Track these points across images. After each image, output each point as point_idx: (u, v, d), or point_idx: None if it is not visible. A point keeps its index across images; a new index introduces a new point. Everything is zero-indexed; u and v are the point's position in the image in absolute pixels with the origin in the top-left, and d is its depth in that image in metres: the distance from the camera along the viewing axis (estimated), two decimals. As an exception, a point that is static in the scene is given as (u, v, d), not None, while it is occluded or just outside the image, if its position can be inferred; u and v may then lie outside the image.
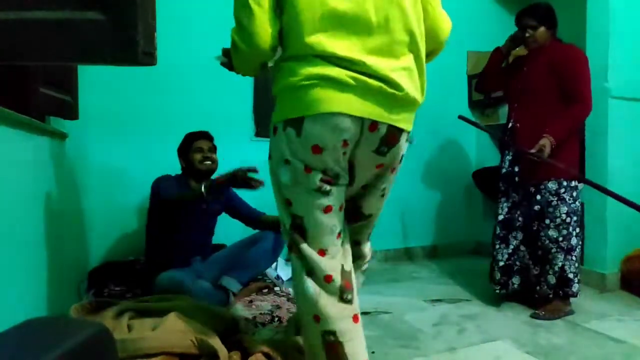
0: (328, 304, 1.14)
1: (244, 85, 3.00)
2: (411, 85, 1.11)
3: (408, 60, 1.11)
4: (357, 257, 1.38)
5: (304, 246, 1.15)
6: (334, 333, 1.13)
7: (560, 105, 2.20)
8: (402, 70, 1.09)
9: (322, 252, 1.16)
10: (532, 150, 2.11)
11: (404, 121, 1.13)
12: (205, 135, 2.25)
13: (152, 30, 0.79)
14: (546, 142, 2.11)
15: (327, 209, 1.13)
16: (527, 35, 2.25)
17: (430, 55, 1.27)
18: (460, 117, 2.61)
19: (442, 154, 3.60)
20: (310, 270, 1.15)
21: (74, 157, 2.13)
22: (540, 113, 2.22)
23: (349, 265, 1.20)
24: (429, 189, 3.55)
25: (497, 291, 2.33)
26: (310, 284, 1.15)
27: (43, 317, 0.88)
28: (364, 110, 1.05)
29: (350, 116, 1.04)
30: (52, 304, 1.57)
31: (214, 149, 2.26)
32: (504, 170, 2.33)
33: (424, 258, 3.49)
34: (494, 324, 2.11)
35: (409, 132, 1.18)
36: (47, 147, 1.62)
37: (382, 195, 1.31)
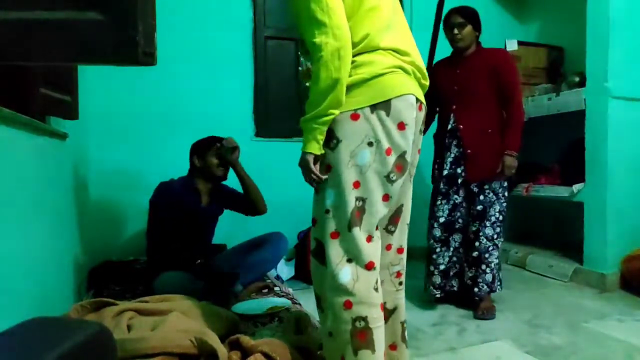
0: (363, 289, 1.19)
1: (244, 85, 3.00)
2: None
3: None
4: (396, 264, 1.42)
5: (356, 230, 1.20)
6: (365, 319, 1.18)
7: (498, 106, 2.26)
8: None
9: (370, 238, 1.23)
10: (505, 172, 2.21)
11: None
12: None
13: (152, 30, 0.79)
14: (512, 162, 2.19)
15: (385, 197, 1.23)
16: (455, 32, 2.26)
17: None
18: None
19: (442, 154, 3.59)
20: (353, 256, 1.21)
21: (74, 157, 2.13)
22: (482, 115, 2.26)
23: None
24: (427, 189, 3.55)
25: (438, 296, 2.31)
26: (348, 270, 1.20)
27: (43, 317, 0.88)
28: (418, 93, 1.29)
29: (415, 97, 1.26)
30: (52, 304, 1.58)
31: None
32: (445, 172, 2.32)
33: (422, 258, 3.49)
34: (494, 324, 2.12)
35: None
36: (47, 147, 1.62)
37: (410, 183, 1.41)
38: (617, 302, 2.41)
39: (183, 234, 2.14)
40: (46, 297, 1.53)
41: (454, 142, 2.30)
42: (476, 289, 2.26)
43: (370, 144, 1.19)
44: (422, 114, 1.33)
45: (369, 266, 1.21)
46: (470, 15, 2.26)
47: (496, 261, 2.27)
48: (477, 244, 2.26)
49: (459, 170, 2.29)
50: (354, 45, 1.21)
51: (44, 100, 1.48)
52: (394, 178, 1.22)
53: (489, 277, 2.25)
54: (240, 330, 1.60)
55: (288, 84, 3.11)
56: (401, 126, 1.21)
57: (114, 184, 2.67)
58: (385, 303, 1.37)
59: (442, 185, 2.32)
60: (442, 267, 2.30)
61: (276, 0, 3.07)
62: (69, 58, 0.89)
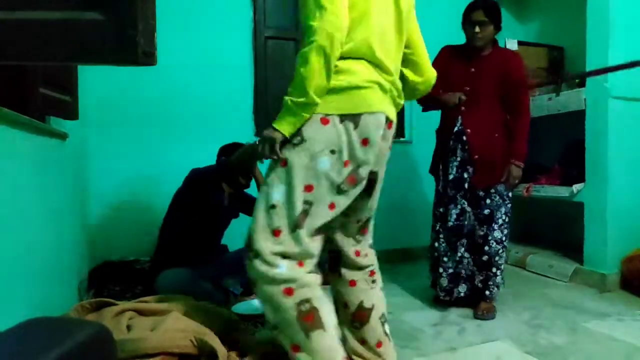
0: (301, 272, 1.20)
1: (244, 85, 3.00)
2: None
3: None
4: (368, 265, 1.47)
5: (301, 232, 1.20)
6: (309, 300, 1.18)
7: (503, 112, 2.23)
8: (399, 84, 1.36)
9: (311, 239, 1.23)
10: (510, 182, 2.19)
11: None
12: None
13: (152, 30, 0.79)
14: (518, 172, 2.18)
15: (331, 206, 1.23)
16: (476, 31, 2.16)
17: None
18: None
19: (442, 154, 3.60)
20: (291, 255, 1.21)
21: (74, 157, 2.13)
22: (489, 118, 2.21)
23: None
24: (427, 189, 3.55)
25: (442, 298, 2.28)
26: (283, 262, 1.20)
27: (43, 317, 0.88)
28: (390, 111, 1.30)
29: (385, 115, 1.27)
30: (52, 304, 1.58)
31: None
32: (451, 176, 2.26)
33: (422, 258, 3.49)
34: (494, 324, 2.11)
35: None
36: (47, 147, 1.62)
37: (376, 196, 1.44)
38: (617, 302, 2.41)
39: (202, 227, 2.14)
40: (46, 297, 1.53)
41: (459, 146, 2.24)
42: (487, 292, 2.23)
43: (332, 152, 1.20)
44: (392, 131, 1.35)
45: (301, 264, 1.22)
46: (493, 14, 2.17)
47: (504, 262, 2.26)
48: (486, 248, 2.22)
49: (465, 175, 2.24)
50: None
51: (43, 100, 1.48)
52: (345, 189, 1.23)
53: (499, 279, 2.23)
54: (240, 330, 1.60)
55: (288, 84, 3.11)
56: (365, 142, 1.22)
57: (114, 184, 2.67)
58: (362, 302, 1.43)
59: (449, 190, 2.28)
60: (450, 270, 2.26)
61: (276, 0, 3.08)
62: (69, 58, 0.89)
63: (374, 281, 1.48)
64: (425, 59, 1.46)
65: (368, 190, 1.36)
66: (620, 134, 2.60)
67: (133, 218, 2.68)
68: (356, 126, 1.20)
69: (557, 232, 3.45)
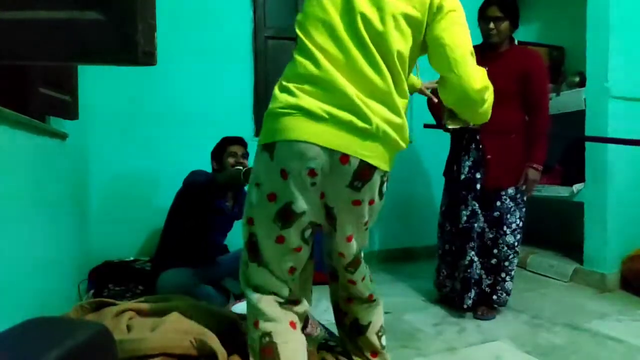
0: (267, 306, 1.22)
1: (244, 85, 3.00)
2: (383, 122, 1.12)
3: (383, 97, 1.14)
4: (363, 300, 1.43)
5: (254, 265, 1.25)
6: (269, 334, 1.20)
7: (522, 110, 2.16)
8: (374, 106, 1.12)
9: (272, 273, 1.25)
10: (524, 186, 2.16)
11: (377, 158, 1.13)
12: (240, 141, 2.24)
13: (152, 30, 0.79)
14: (536, 176, 2.14)
15: (279, 239, 1.19)
16: (490, 27, 2.09)
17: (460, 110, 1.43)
18: (426, 126, 2.54)
19: (442, 154, 3.58)
20: (255, 286, 1.26)
21: (74, 157, 2.13)
22: (505, 119, 2.11)
23: (304, 306, 1.31)
24: (429, 189, 3.55)
25: (461, 303, 2.21)
26: (254, 295, 1.25)
27: (43, 317, 0.88)
28: (333, 142, 1.08)
29: (319, 146, 1.08)
30: (52, 304, 1.58)
31: (246, 155, 2.23)
32: (463, 177, 2.20)
33: (424, 258, 3.49)
34: (494, 324, 2.11)
35: (386, 171, 1.19)
36: (47, 147, 1.62)
37: (366, 229, 1.31)
38: (617, 302, 2.41)
39: (204, 230, 2.13)
40: (46, 297, 1.53)
41: (473, 145, 2.19)
42: (495, 297, 2.19)
43: (257, 184, 1.19)
44: (350, 167, 1.11)
45: (273, 293, 1.25)
46: (509, 10, 2.09)
47: (514, 267, 2.21)
48: (495, 251, 2.18)
49: (477, 175, 2.18)
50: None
51: (44, 100, 1.48)
52: (280, 226, 1.16)
53: (508, 285, 2.18)
54: (240, 331, 1.60)
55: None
56: (283, 174, 1.11)
57: (114, 183, 2.67)
58: (358, 319, 1.42)
59: (460, 191, 2.23)
60: (461, 275, 2.21)
61: (276, 0, 3.08)
62: (69, 58, 0.89)
63: (374, 300, 1.43)
64: (451, 75, 1.28)
65: (332, 224, 1.24)
66: (620, 134, 2.60)
67: (133, 218, 2.68)
68: (272, 156, 1.12)
69: (557, 232, 3.45)
